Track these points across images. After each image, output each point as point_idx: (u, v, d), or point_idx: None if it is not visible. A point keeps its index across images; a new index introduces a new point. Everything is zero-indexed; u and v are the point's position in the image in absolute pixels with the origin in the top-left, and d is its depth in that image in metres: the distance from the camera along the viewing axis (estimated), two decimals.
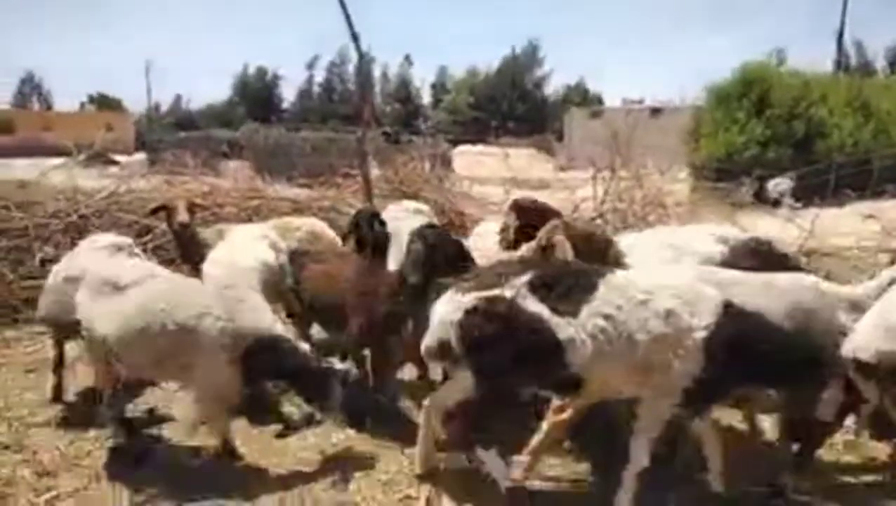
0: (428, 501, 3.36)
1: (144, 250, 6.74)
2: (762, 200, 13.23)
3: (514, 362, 3.05)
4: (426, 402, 3.44)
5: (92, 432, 4.00)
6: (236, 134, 26.01)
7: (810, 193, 11.07)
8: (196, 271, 5.18)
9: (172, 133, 34.70)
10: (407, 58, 60.39)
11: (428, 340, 3.25)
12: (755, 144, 19.51)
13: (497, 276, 3.20)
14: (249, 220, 7.02)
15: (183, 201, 5.30)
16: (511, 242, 4.53)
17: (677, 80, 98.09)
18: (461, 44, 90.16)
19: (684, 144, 22.25)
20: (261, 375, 3.62)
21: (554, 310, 3.03)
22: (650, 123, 35.16)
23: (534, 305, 3.04)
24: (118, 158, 25.68)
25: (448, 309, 3.16)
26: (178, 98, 62.32)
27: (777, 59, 32.28)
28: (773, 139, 19.59)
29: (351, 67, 60.02)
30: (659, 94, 57.16)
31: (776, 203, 14.36)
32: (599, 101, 55.40)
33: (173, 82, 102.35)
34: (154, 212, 5.61)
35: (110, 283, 3.59)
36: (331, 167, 10.25)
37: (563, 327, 3.00)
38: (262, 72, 58.86)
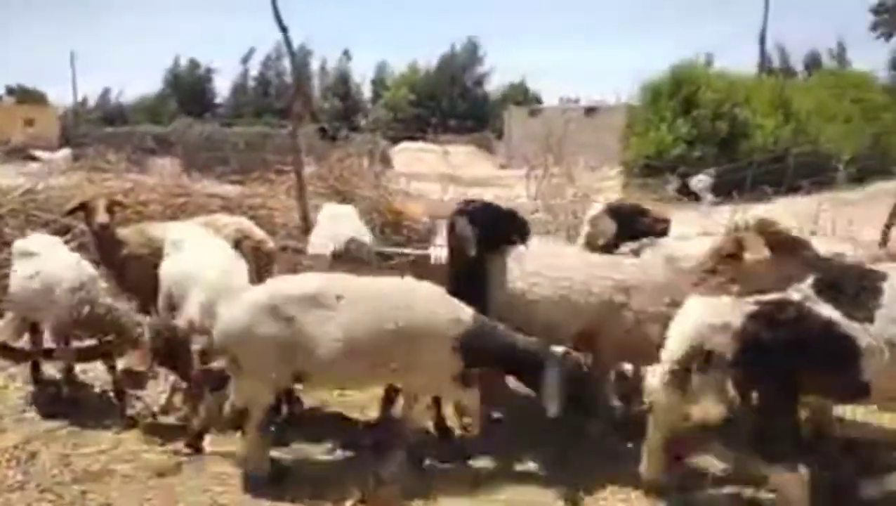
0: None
1: None
2: (685, 196, 13.81)
3: (800, 372, 2.89)
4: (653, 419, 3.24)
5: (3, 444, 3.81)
6: (166, 129, 25.16)
7: (730, 189, 11.58)
8: (118, 273, 4.98)
9: (100, 128, 33.21)
10: (346, 53, 59.69)
11: (674, 346, 3.05)
12: (682, 142, 20.28)
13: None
14: (175, 218, 6.80)
15: (103, 200, 5.09)
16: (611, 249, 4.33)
17: (612, 80, 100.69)
18: (402, 40, 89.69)
19: (618, 142, 22.90)
20: (477, 361, 3.56)
21: (848, 316, 2.90)
22: (586, 122, 35.94)
23: (826, 310, 2.91)
24: (40, 153, 24.43)
25: (713, 313, 2.98)
26: (106, 91, 59.62)
27: (705, 61, 33.65)
28: (698, 138, 20.43)
29: (287, 61, 58.82)
30: (594, 93, 58.37)
31: (697, 198, 15.00)
32: (538, 100, 56.25)
33: (102, 75, 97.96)
34: (72, 212, 5.38)
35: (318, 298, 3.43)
36: (264, 163, 10.02)
37: (862, 334, 2.87)
38: (194, 65, 57.00)
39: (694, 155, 19.93)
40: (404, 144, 36.28)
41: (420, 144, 38.72)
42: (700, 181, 16.69)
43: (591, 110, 37.74)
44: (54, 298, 4.10)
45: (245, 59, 57.91)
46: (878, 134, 23.60)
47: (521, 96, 56.71)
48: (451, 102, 56.42)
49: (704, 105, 20.86)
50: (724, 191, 13.32)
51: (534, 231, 6.80)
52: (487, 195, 8.98)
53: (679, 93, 21.15)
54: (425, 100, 55.10)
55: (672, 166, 19.73)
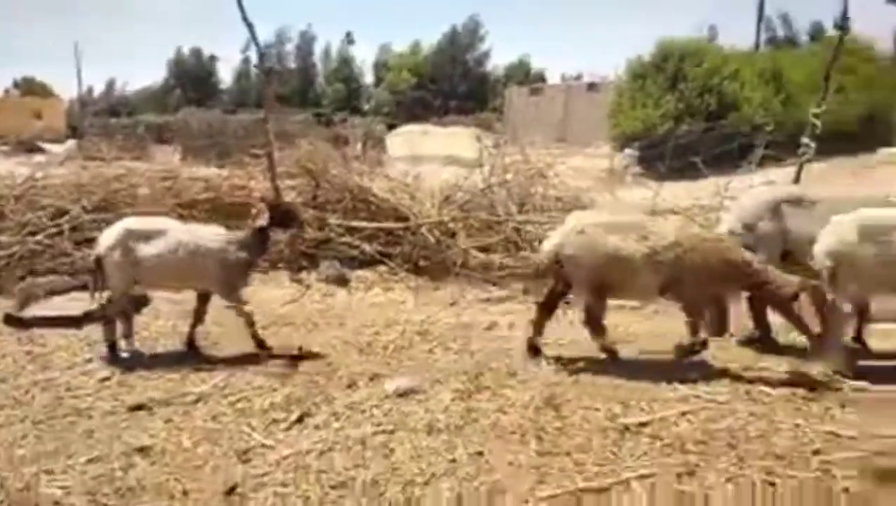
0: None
1: (60, 232, 7.19)
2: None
3: None
4: None
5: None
6: (168, 119, 25.85)
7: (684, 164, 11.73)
8: None
9: (105, 119, 33.97)
10: (348, 35, 59.88)
11: None
12: (670, 118, 20.64)
13: None
14: (163, 198, 7.51)
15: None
16: None
17: (616, 55, 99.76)
18: (405, 20, 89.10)
19: (608, 119, 23.30)
20: None
21: None
22: (588, 99, 36.18)
23: None
24: (48, 146, 25.27)
25: None
26: (111, 82, 60.44)
27: (709, 35, 33.72)
28: (687, 113, 20.77)
29: (290, 47, 59.30)
30: (602, 69, 57.93)
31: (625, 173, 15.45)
32: (542, 78, 56.16)
33: (107, 66, 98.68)
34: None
35: None
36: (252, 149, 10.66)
37: None
38: (197, 53, 57.57)
39: (682, 130, 20.26)
40: (405, 128, 36.75)
41: (420, 127, 39.14)
42: (625, 157, 17.11)
43: (592, 87, 37.95)
44: (205, 262, 4.93)
45: (246, 48, 58.39)
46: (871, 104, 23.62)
47: (524, 75, 56.67)
48: (453, 83, 56.49)
49: (692, 79, 21.16)
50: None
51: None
52: (445, 174, 9.55)
53: (665, 68, 21.46)
54: (427, 81, 55.26)
55: (661, 142, 20.16)
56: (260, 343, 5.04)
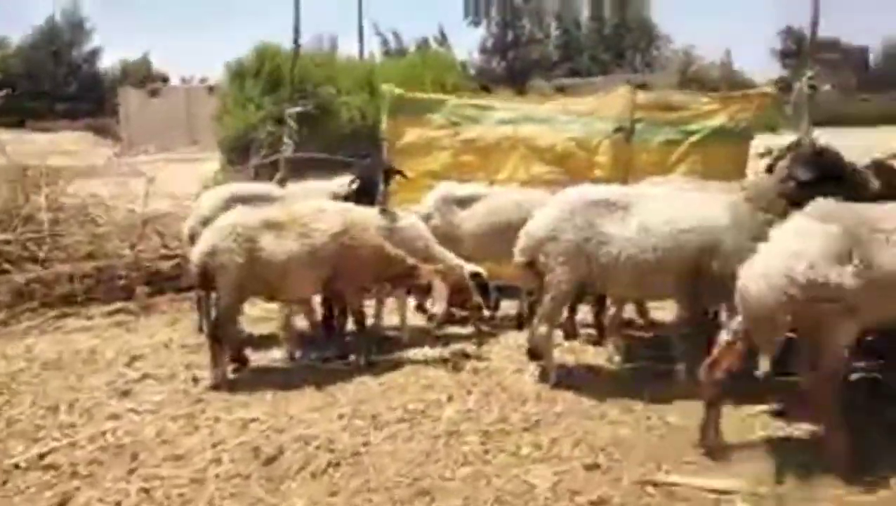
0: None
1: None
2: None
3: None
4: None
5: None
6: None
7: None
8: None
9: None
10: None
11: None
12: (271, 120, 21.01)
13: None
14: None
15: None
16: None
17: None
18: None
19: (214, 122, 22.79)
20: None
21: None
22: (209, 102, 34.95)
23: None
24: None
25: None
26: None
27: (330, 45, 35.51)
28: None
29: None
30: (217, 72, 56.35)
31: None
32: (164, 79, 52.62)
33: None
34: None
35: None
36: None
37: None
38: None
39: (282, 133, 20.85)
40: None
41: (14, 134, 33.07)
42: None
43: (212, 90, 36.89)
44: None
45: None
46: None
47: (144, 76, 52.36)
48: (57, 82, 49.41)
49: (288, 84, 21.84)
50: None
51: None
52: None
53: (263, 72, 21.79)
54: (21, 80, 47.12)
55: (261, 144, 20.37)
56: None
